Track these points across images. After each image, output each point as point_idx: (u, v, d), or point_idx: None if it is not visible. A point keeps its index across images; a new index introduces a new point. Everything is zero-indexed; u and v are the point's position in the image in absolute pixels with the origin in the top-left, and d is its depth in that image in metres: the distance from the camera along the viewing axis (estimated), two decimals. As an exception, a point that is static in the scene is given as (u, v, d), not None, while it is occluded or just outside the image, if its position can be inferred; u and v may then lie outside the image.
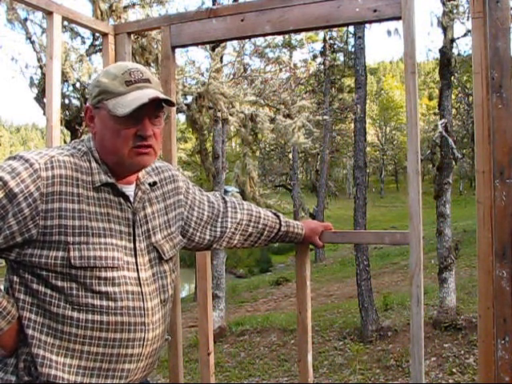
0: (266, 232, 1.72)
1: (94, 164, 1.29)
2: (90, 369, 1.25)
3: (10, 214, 1.17)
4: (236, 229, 1.65)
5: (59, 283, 1.22)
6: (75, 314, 1.23)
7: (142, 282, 1.32)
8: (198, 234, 1.58)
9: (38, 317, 1.24)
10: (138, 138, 1.27)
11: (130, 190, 1.36)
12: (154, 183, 1.43)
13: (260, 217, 1.71)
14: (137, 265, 1.32)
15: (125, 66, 1.31)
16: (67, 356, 1.23)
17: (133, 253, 1.32)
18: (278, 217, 1.76)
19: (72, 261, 1.21)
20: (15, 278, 1.25)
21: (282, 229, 1.75)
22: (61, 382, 1.22)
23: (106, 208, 1.29)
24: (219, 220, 1.62)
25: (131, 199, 1.35)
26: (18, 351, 1.25)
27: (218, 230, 1.62)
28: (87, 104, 1.33)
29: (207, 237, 1.60)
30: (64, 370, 1.23)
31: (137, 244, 1.33)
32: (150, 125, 1.29)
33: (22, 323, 1.24)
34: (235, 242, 1.67)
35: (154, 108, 1.28)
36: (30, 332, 1.23)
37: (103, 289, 1.24)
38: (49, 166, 1.21)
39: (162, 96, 1.27)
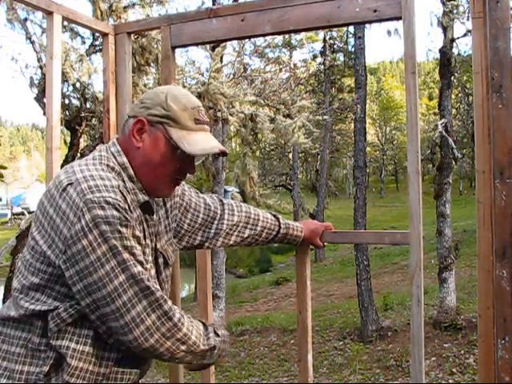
0: (264, 234, 1.71)
1: (128, 184, 1.29)
2: (101, 375, 1.26)
3: (146, 249, 1.28)
4: (231, 229, 1.64)
5: None
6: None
7: None
8: (189, 234, 1.58)
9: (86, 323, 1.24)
10: (181, 173, 1.34)
11: None
12: None
13: (258, 219, 1.70)
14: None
15: (194, 102, 1.35)
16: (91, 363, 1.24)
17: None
18: (277, 219, 1.75)
19: None
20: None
21: (281, 231, 1.74)
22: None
23: (142, 225, 1.33)
24: (215, 222, 1.62)
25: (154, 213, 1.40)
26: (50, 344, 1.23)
27: (212, 231, 1.62)
28: (140, 116, 1.31)
29: (198, 237, 1.60)
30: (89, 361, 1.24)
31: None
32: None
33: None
34: (231, 242, 1.66)
35: (204, 155, 1.37)
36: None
37: None
38: (124, 198, 1.23)
39: (227, 151, 1.37)
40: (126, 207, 1.21)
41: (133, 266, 1.17)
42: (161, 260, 1.41)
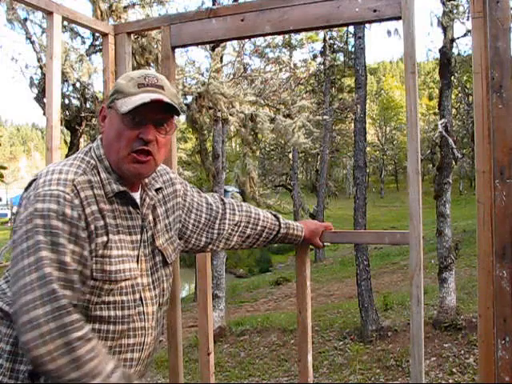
0: (264, 233, 1.71)
1: (103, 175, 1.28)
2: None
3: (84, 252, 1.19)
4: (233, 230, 1.65)
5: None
6: None
7: (143, 288, 1.33)
8: (195, 235, 1.58)
9: None
10: (139, 141, 1.27)
11: (136, 196, 1.37)
12: (160, 188, 1.45)
13: (259, 218, 1.70)
14: (140, 270, 1.34)
15: (143, 72, 1.33)
16: None
17: (135, 259, 1.33)
18: (277, 218, 1.75)
19: (94, 273, 1.22)
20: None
21: (282, 231, 1.74)
22: None
23: (119, 219, 1.30)
24: (217, 222, 1.62)
25: (139, 206, 1.36)
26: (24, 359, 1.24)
27: (216, 231, 1.62)
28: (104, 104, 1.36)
29: (203, 239, 1.60)
30: None
31: (141, 250, 1.35)
32: (155, 131, 1.28)
33: None
34: (233, 243, 1.67)
35: (160, 115, 1.28)
36: None
37: (111, 299, 1.26)
38: (75, 192, 1.21)
39: (166, 99, 1.26)
40: (76, 202, 1.19)
41: (47, 266, 1.11)
42: (159, 258, 1.39)
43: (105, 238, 1.24)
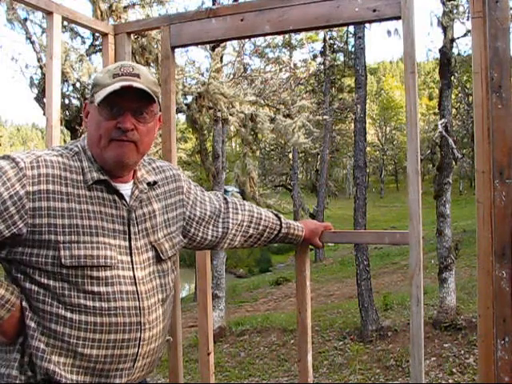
0: (266, 233, 1.71)
1: (85, 163, 1.30)
2: (84, 368, 1.25)
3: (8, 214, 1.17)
4: (237, 230, 1.64)
5: (51, 282, 1.22)
6: (68, 314, 1.22)
7: (137, 281, 1.31)
8: (200, 234, 1.57)
9: (34, 316, 1.23)
10: (118, 130, 1.26)
11: (125, 188, 1.35)
12: (154, 182, 1.43)
13: (261, 218, 1.70)
14: (132, 263, 1.31)
15: (120, 62, 1.33)
16: (61, 355, 1.23)
17: (128, 251, 1.31)
18: (279, 218, 1.75)
19: (62, 260, 1.21)
20: (8, 279, 1.26)
21: (283, 230, 1.74)
22: (58, 377, 1.22)
23: (99, 206, 1.28)
24: (220, 220, 1.61)
25: (126, 197, 1.34)
26: (22, 345, 1.24)
27: (220, 230, 1.61)
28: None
29: (209, 237, 1.60)
30: (60, 368, 1.23)
31: (132, 242, 1.32)
32: (134, 120, 1.28)
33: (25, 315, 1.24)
34: (236, 243, 1.66)
35: (137, 103, 1.28)
36: (30, 330, 1.23)
37: (95, 289, 1.24)
38: (34, 165, 1.22)
39: (136, 85, 1.24)
40: (28, 173, 1.20)
41: None
42: (152, 253, 1.36)
43: (66, 222, 1.22)
